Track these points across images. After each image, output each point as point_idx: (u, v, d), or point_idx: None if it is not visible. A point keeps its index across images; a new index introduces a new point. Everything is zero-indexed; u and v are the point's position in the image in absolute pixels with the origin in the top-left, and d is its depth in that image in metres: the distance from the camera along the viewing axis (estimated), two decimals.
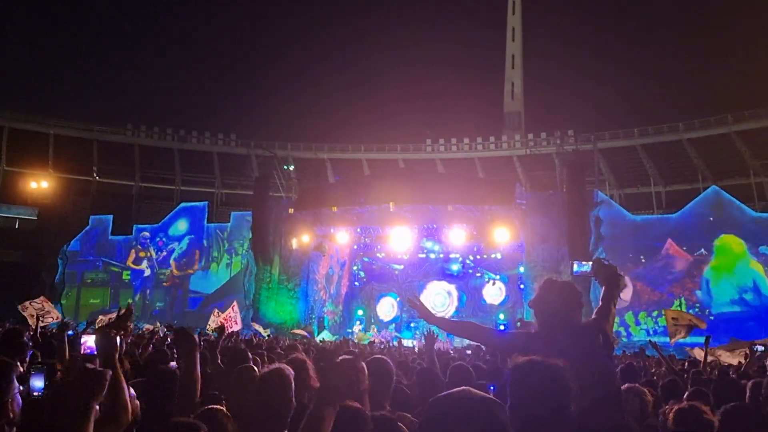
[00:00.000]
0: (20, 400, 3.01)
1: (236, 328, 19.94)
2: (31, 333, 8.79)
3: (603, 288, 3.54)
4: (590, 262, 3.89)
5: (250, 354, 5.32)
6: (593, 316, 3.36)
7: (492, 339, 3.52)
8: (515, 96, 52.49)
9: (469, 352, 15.69)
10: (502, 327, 26.39)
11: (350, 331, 28.74)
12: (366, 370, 3.04)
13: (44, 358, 5.49)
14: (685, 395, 4.79)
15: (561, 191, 26.59)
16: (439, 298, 30.04)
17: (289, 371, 2.98)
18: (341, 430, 2.42)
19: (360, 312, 30.79)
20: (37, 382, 2.99)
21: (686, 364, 9.48)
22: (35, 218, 39.88)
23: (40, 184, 39.00)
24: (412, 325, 29.65)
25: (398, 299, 30.57)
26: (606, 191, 34.72)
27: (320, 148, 44.90)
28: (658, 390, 5.40)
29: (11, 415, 2.87)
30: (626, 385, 4.12)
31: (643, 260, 26.35)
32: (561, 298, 3.16)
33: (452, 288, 29.95)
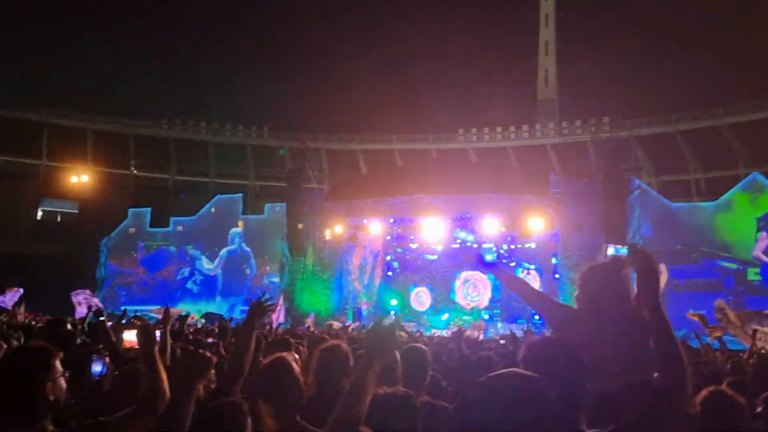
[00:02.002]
0: (64, 384, 3.12)
1: (279, 321, 20.26)
2: (77, 321, 9.04)
3: (638, 274, 3.47)
4: (626, 247, 3.73)
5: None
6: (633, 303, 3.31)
7: (540, 304, 3.46)
8: (549, 83, 51.84)
9: (503, 341, 15.62)
10: (537, 317, 26.25)
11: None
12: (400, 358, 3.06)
13: (93, 346, 5.62)
14: (724, 384, 4.70)
15: (597, 179, 26.23)
16: (472, 288, 29.93)
17: (290, 359, 3.06)
18: (388, 414, 2.44)
19: (394, 302, 30.86)
20: (96, 367, 3.21)
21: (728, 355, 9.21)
22: (76, 212, 40.90)
23: (80, 178, 39.92)
24: (445, 316, 29.63)
25: (432, 289, 30.59)
26: (643, 179, 34.10)
27: (352, 139, 45.00)
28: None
29: (51, 398, 2.97)
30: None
31: (694, 256, 25.85)
32: (604, 285, 3.11)
33: (486, 278, 29.80)
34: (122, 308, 16.31)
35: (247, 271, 33.52)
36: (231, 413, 2.50)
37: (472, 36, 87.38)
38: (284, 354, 3.13)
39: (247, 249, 33.61)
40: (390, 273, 31.53)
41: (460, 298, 30.06)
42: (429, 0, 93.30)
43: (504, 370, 1.81)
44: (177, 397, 2.33)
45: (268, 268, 32.19)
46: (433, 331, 26.33)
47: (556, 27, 52.92)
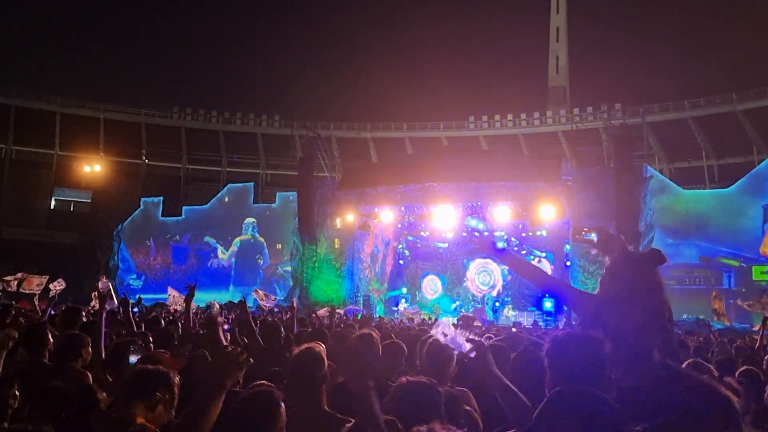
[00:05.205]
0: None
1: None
2: (92, 311, 9.16)
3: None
4: (593, 233, 3.57)
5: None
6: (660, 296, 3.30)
7: (564, 293, 3.48)
8: (560, 70, 51.36)
9: (514, 330, 15.68)
10: (548, 304, 26.25)
11: (395, 309, 28.98)
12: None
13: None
14: (737, 373, 4.71)
15: (608, 167, 26.06)
16: (484, 275, 29.94)
17: (320, 349, 3.11)
18: (413, 403, 2.50)
19: (405, 290, 30.95)
20: (133, 358, 3.49)
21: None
22: (89, 201, 41.22)
23: (92, 167, 40.18)
24: (456, 304, 29.68)
25: (443, 277, 30.63)
26: (655, 166, 33.87)
27: (363, 127, 44.94)
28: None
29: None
30: (690, 360, 4.06)
31: (689, 251, 25.02)
32: (635, 275, 3.09)
33: (497, 266, 29.79)
34: (137, 296, 16.48)
35: (260, 261, 33.67)
36: (264, 401, 2.52)
37: (482, 23, 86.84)
38: (313, 344, 3.18)
39: (261, 239, 33.79)
40: (401, 261, 31.58)
41: (471, 286, 30.08)
42: None
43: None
44: (208, 394, 2.32)
45: (281, 258, 32.36)
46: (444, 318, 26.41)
47: (567, 13, 52.39)
